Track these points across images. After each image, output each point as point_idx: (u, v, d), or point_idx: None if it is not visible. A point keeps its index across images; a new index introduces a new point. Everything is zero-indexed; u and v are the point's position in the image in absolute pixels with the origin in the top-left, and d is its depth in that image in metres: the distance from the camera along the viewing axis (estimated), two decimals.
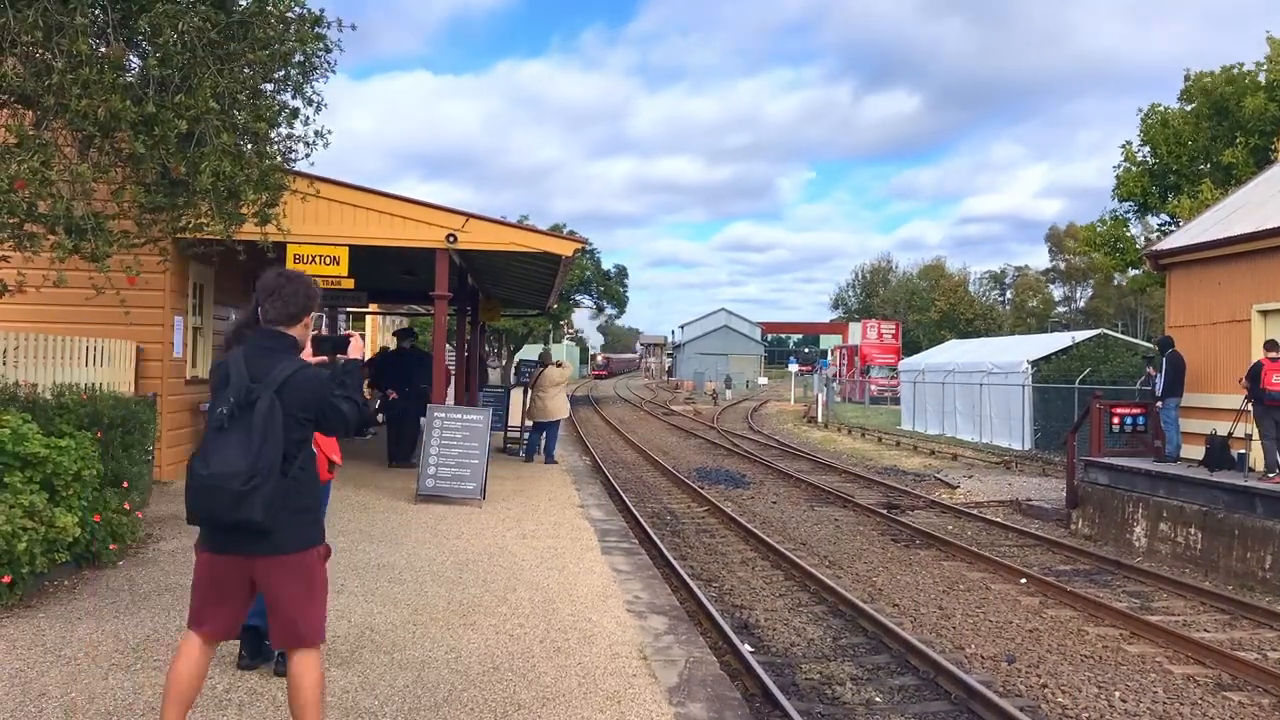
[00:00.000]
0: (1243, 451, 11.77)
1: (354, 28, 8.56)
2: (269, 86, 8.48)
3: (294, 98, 8.70)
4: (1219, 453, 11.96)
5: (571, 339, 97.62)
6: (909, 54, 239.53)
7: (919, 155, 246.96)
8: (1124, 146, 25.30)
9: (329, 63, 8.66)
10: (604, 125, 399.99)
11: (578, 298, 57.96)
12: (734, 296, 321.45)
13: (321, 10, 8.34)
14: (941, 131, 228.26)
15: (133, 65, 7.44)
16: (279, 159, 9.02)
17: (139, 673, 5.17)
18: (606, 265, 59.04)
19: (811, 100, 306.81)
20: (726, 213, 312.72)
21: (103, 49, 6.85)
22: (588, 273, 55.16)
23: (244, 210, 8.75)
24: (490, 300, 22.22)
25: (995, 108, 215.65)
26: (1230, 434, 11.95)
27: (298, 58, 8.35)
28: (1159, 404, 13.56)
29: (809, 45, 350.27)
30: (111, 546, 7.35)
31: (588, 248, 51.63)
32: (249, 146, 8.25)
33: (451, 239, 11.98)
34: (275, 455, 3.57)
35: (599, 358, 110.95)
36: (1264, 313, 12.81)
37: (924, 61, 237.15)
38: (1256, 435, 11.79)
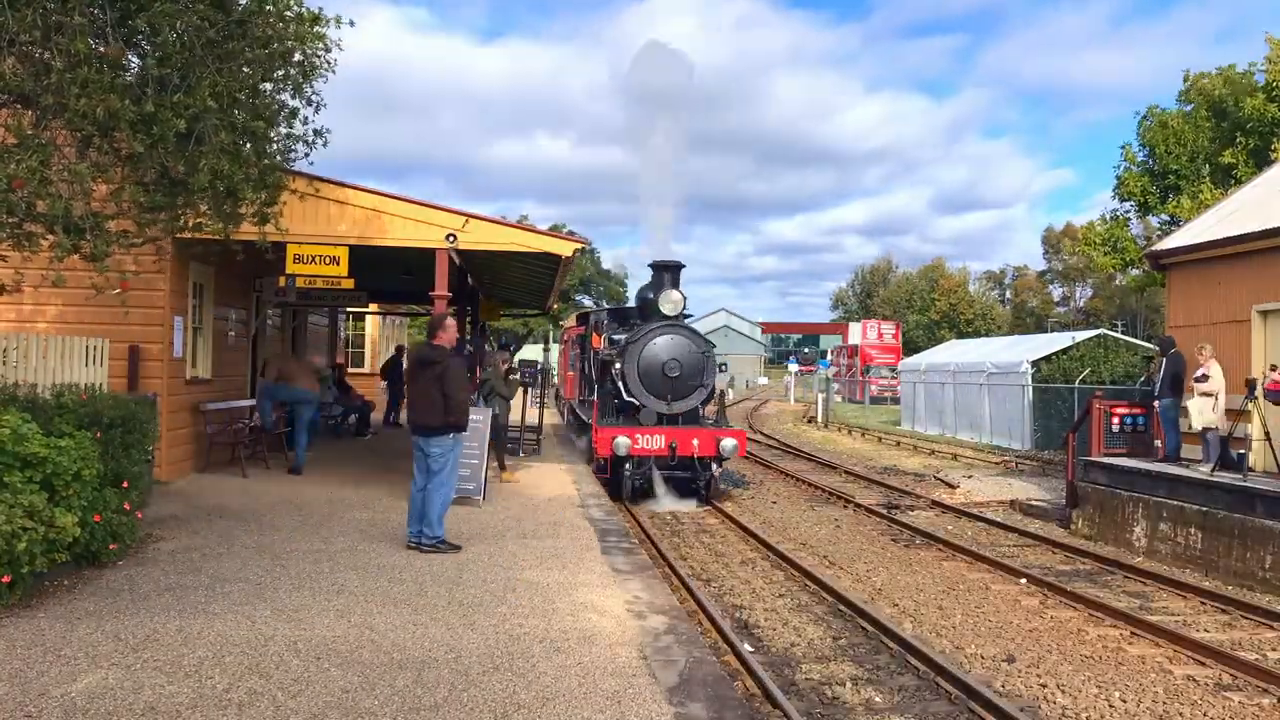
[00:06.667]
0: (1243, 451, 11.75)
1: (352, 24, 8.55)
2: (268, 86, 8.48)
3: (293, 97, 8.70)
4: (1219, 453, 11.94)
5: None
6: None
7: None
8: (1123, 148, 25.37)
9: (328, 62, 8.65)
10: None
11: (578, 298, 58.08)
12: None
13: (320, 9, 8.34)
14: None
15: (131, 64, 7.43)
16: (278, 158, 9.02)
17: (139, 672, 5.16)
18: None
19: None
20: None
21: (101, 48, 6.84)
22: (588, 272, 55.26)
23: (243, 210, 8.74)
24: (490, 300, 22.21)
25: None
26: (1230, 434, 11.93)
27: (297, 57, 8.35)
28: (1156, 404, 13.56)
29: None
30: (111, 546, 7.35)
31: (588, 248, 51.61)
32: (248, 146, 8.24)
33: (451, 239, 11.98)
34: None
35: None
36: (1264, 313, 12.79)
37: None
38: (1258, 436, 11.78)
